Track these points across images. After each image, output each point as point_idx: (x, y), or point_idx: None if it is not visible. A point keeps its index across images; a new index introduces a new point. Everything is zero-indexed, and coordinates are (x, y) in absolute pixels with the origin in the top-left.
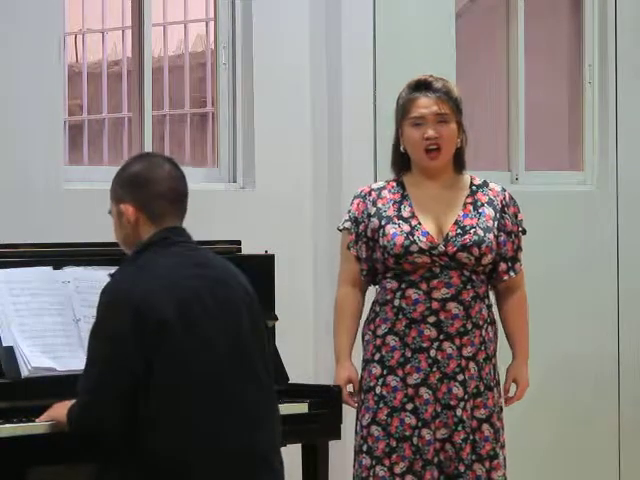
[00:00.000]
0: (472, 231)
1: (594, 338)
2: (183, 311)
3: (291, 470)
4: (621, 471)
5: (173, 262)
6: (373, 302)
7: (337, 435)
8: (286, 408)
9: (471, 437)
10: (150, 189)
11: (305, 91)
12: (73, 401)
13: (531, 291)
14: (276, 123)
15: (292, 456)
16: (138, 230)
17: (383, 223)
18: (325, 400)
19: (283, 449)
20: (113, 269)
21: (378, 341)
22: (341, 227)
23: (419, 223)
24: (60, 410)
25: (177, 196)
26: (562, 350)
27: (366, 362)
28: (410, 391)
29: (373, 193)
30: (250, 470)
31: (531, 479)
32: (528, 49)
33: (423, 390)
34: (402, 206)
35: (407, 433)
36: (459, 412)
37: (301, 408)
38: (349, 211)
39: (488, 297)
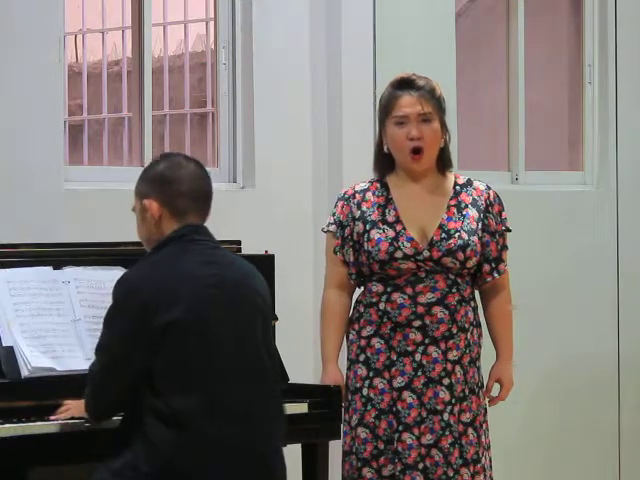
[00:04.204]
0: (456, 235)
1: (594, 338)
2: (193, 309)
3: (291, 470)
4: (621, 471)
5: (189, 260)
6: (357, 301)
7: (337, 435)
8: (286, 408)
9: (458, 441)
10: (175, 186)
11: (305, 91)
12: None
13: (531, 291)
14: (276, 123)
15: (292, 456)
16: (161, 226)
17: (368, 228)
18: (325, 400)
19: (283, 449)
20: (113, 269)
21: (362, 342)
22: (325, 229)
23: (404, 228)
24: (77, 409)
25: (200, 195)
26: (562, 350)
27: (351, 362)
28: (394, 394)
29: (357, 195)
30: (250, 470)
31: (531, 477)
32: (528, 49)
33: (406, 394)
34: (386, 210)
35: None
36: (446, 416)
37: (301, 408)
38: (333, 214)
39: (474, 299)
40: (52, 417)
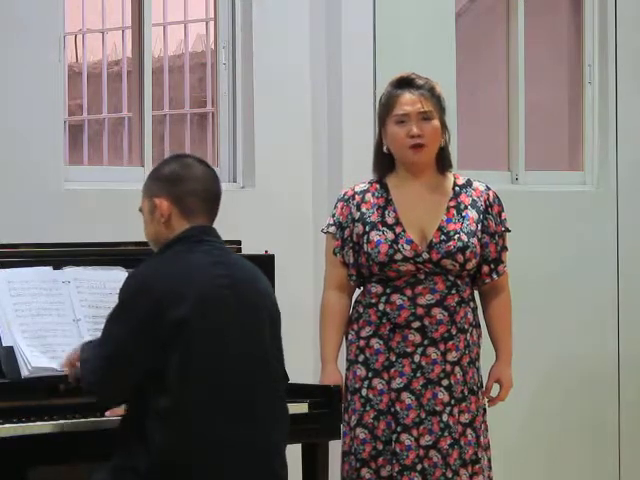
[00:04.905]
0: (456, 237)
1: (594, 338)
2: (202, 309)
3: (291, 470)
4: (621, 471)
5: (198, 259)
6: (356, 301)
7: (337, 435)
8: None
9: (457, 443)
10: (185, 186)
11: (305, 91)
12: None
13: (531, 291)
14: (276, 123)
15: (292, 456)
16: (170, 225)
17: (367, 229)
18: (325, 400)
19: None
20: (113, 269)
21: (362, 342)
22: (325, 230)
23: (403, 230)
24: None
25: (210, 196)
26: (562, 350)
27: (350, 362)
28: (392, 395)
29: (357, 197)
30: (251, 471)
31: (531, 478)
32: (528, 49)
33: (405, 395)
34: (386, 212)
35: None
36: (445, 417)
37: (301, 408)
38: (333, 215)
39: (473, 300)
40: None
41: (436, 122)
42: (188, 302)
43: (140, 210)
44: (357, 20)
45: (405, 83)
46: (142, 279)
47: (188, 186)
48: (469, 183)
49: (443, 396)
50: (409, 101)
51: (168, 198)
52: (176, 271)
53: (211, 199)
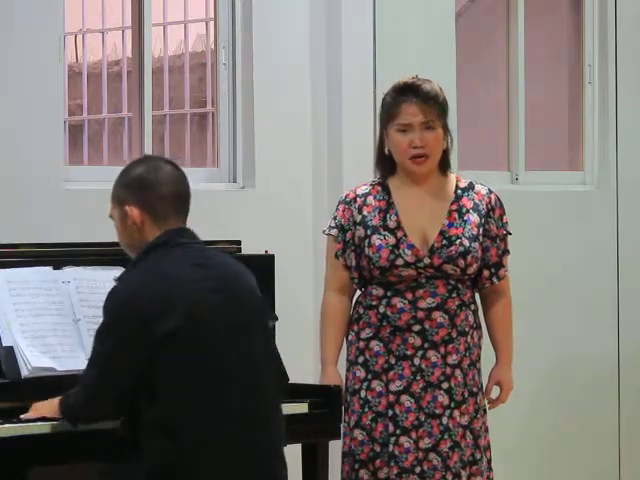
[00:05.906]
0: (458, 242)
1: (594, 338)
2: (190, 314)
3: (291, 470)
4: (621, 470)
5: (179, 264)
6: (357, 302)
7: (337, 435)
8: (286, 408)
9: (457, 445)
10: (154, 191)
11: (305, 91)
12: (55, 399)
13: (531, 291)
14: (276, 123)
15: (292, 456)
16: (144, 232)
17: (369, 233)
18: (325, 400)
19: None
20: (113, 269)
21: (361, 344)
22: (327, 232)
23: (405, 235)
24: (45, 407)
25: (180, 197)
26: (562, 350)
27: (350, 363)
28: (391, 398)
29: (358, 200)
30: (251, 473)
31: (531, 478)
32: (528, 49)
33: (404, 398)
34: (388, 215)
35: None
36: (445, 420)
37: (301, 408)
38: (335, 217)
39: (474, 302)
40: (23, 416)
41: (438, 131)
42: (177, 310)
43: (111, 217)
44: (357, 20)
45: (410, 90)
46: (126, 291)
47: (157, 191)
48: (471, 186)
49: (443, 399)
50: (412, 111)
51: (138, 205)
52: (159, 279)
53: (180, 200)
